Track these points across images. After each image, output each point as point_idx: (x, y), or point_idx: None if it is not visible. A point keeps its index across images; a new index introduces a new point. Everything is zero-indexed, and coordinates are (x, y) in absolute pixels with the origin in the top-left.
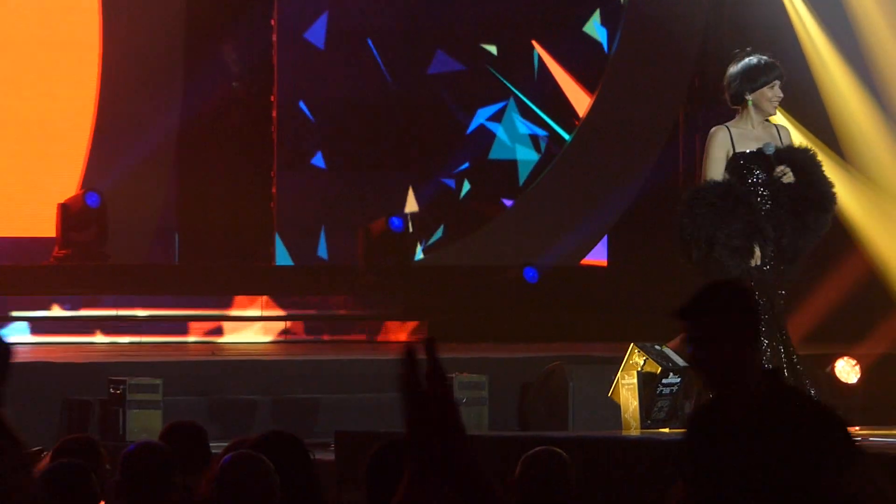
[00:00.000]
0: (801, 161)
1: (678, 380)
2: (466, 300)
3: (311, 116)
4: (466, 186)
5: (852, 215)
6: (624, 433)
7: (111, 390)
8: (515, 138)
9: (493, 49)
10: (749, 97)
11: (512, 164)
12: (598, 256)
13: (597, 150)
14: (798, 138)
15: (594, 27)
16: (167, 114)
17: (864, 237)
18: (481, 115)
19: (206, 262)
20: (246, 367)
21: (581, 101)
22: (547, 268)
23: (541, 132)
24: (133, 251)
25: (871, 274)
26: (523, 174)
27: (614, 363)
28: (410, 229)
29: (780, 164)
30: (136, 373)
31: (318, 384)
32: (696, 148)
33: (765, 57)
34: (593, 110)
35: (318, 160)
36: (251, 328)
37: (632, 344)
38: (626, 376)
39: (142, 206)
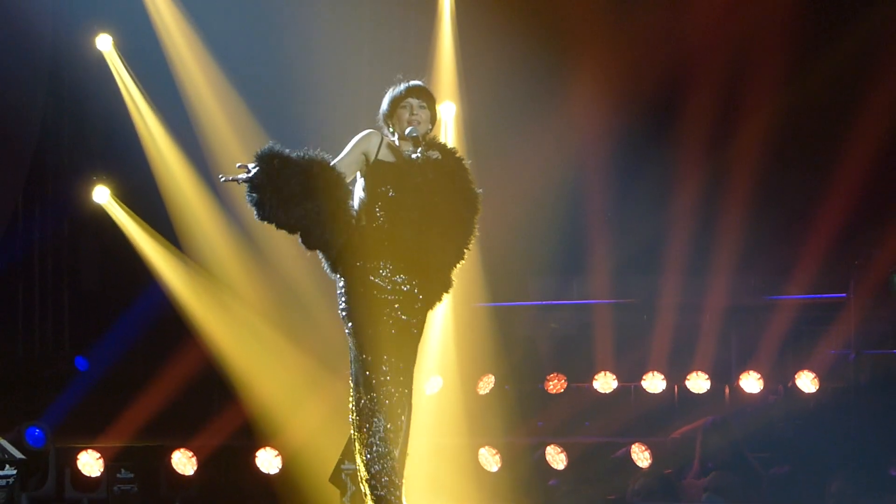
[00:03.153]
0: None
1: (15, 472)
2: None
3: None
4: None
5: (189, 306)
6: None
7: None
8: None
9: None
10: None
11: None
12: None
13: None
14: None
15: None
16: None
17: (201, 328)
18: None
19: None
20: None
21: None
22: None
23: None
24: None
25: (208, 366)
26: None
27: None
28: None
29: (430, 149)
30: None
31: None
32: (33, 239)
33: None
34: None
35: None
36: None
37: None
38: None
39: None
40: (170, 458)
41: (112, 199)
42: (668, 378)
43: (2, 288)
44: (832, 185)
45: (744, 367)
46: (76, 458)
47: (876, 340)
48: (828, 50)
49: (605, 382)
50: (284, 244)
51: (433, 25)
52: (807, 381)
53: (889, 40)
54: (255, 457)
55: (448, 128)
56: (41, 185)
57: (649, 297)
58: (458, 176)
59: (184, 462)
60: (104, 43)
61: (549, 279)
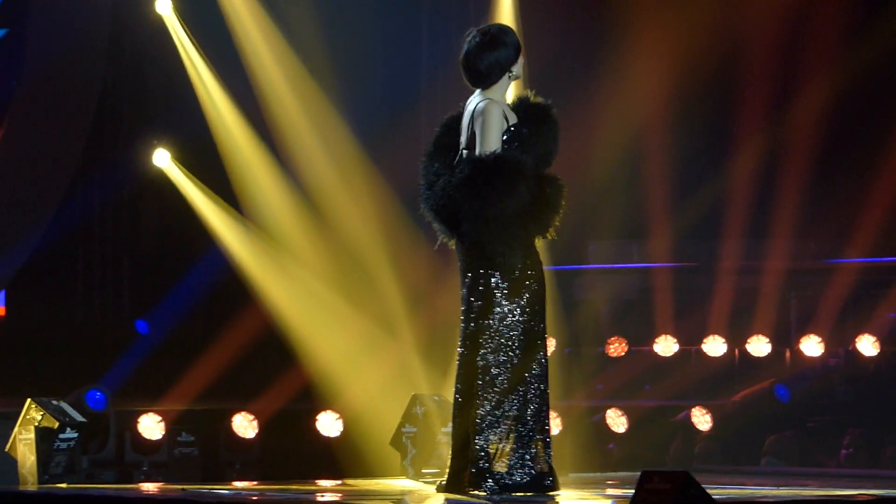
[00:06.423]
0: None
1: (76, 435)
2: None
3: None
4: None
5: (249, 269)
6: (21, 488)
7: None
8: None
9: None
10: (514, 70)
11: None
12: None
13: None
14: None
15: None
16: None
17: (260, 292)
18: None
19: None
20: None
21: None
22: None
23: None
24: None
25: (268, 329)
26: None
27: (12, 418)
28: None
29: None
30: None
31: None
32: (93, 203)
33: (498, 26)
34: None
35: None
36: None
37: (29, 399)
38: (24, 431)
39: None
40: (230, 422)
41: (172, 163)
42: (728, 341)
43: (62, 253)
44: (894, 148)
45: (804, 331)
46: (137, 421)
47: None
48: (894, 9)
49: (665, 346)
50: (344, 207)
51: None
52: (867, 345)
53: None
54: (315, 420)
55: (509, 93)
56: (101, 149)
57: (710, 261)
58: None
59: (244, 425)
60: (164, 6)
61: (609, 243)
